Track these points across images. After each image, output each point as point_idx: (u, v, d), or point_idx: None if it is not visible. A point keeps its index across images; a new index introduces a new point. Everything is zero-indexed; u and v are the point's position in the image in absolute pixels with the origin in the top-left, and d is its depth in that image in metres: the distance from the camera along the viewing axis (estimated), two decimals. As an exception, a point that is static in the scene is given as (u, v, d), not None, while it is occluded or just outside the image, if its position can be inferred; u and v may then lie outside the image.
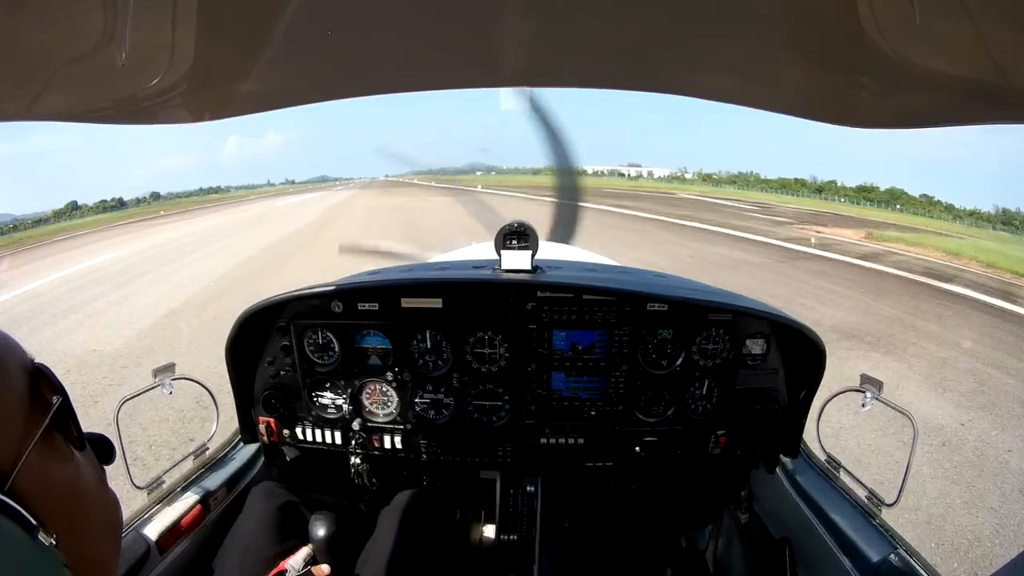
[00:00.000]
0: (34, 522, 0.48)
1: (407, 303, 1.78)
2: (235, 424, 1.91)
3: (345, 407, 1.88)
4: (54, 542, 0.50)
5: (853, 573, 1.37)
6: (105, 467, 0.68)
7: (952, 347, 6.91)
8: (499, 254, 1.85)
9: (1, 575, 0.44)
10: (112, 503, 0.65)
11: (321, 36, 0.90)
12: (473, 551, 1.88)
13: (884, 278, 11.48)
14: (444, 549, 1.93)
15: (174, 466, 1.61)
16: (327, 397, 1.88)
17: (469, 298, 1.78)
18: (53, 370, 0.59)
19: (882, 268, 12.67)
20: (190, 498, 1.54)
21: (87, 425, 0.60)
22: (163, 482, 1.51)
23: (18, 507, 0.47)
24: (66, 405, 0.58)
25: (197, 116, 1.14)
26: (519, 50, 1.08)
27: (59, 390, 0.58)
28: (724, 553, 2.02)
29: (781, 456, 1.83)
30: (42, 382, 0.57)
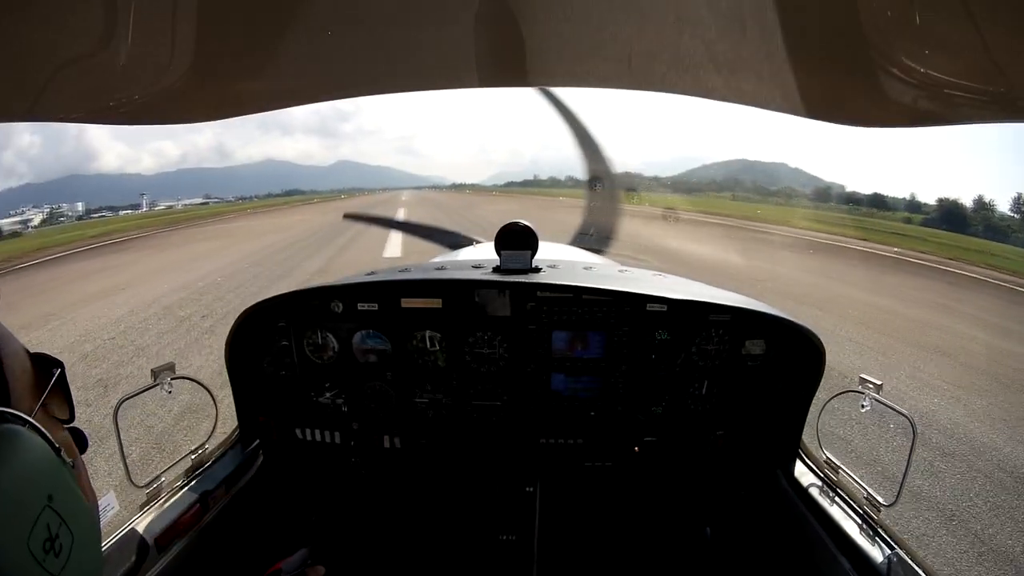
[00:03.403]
0: (56, 444, 0.58)
1: (407, 303, 1.78)
2: (234, 423, 1.91)
3: (344, 407, 1.88)
4: (71, 463, 0.61)
5: (852, 573, 1.37)
6: (110, 477, 0.75)
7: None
8: (499, 254, 1.85)
9: (41, 477, 0.54)
10: (93, 494, 0.72)
11: (321, 36, 0.90)
12: (473, 551, 1.88)
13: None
14: (443, 549, 1.93)
15: (173, 465, 1.61)
16: (326, 397, 1.88)
17: (469, 298, 1.78)
18: None
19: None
20: (189, 497, 1.54)
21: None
22: (162, 481, 1.51)
23: (44, 431, 0.57)
24: (63, 376, 0.68)
25: (197, 116, 1.14)
26: (521, 51, 1.08)
27: (58, 363, 0.67)
28: (721, 554, 2.01)
29: (780, 457, 1.83)
30: (40, 364, 0.66)
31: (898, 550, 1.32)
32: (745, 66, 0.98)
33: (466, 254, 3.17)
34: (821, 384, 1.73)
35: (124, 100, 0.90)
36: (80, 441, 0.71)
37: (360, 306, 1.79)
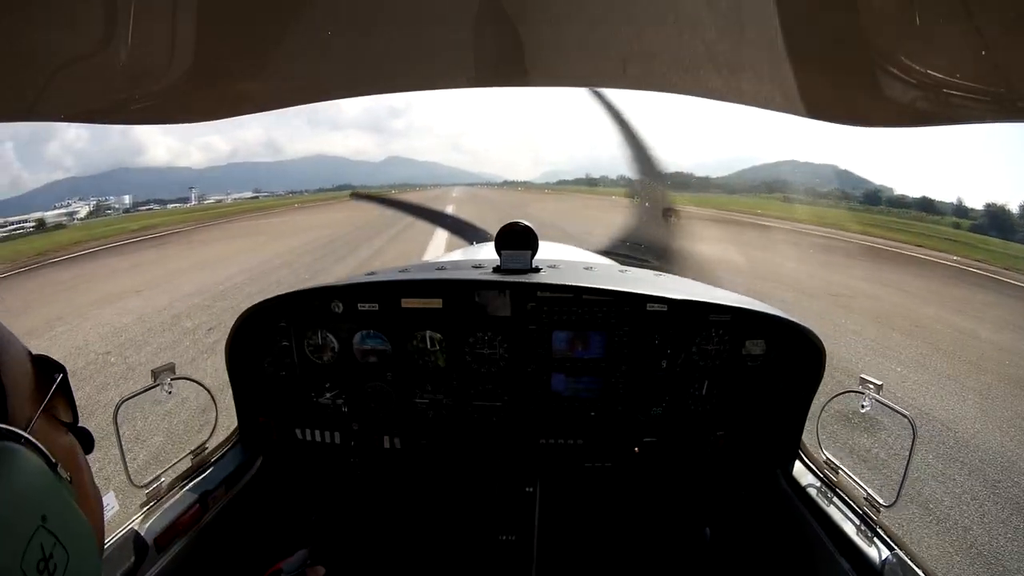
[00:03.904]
0: (53, 459, 0.57)
1: (407, 303, 1.79)
2: (234, 424, 1.91)
3: (344, 408, 1.88)
4: (69, 478, 0.59)
5: (851, 574, 1.37)
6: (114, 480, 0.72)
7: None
8: (499, 254, 1.85)
9: (35, 497, 0.52)
10: (98, 496, 0.70)
11: (321, 36, 0.91)
12: (473, 551, 1.88)
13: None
14: (443, 549, 1.93)
15: (173, 465, 1.61)
16: (326, 397, 1.88)
17: (469, 298, 1.78)
18: None
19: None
20: (189, 497, 1.54)
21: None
22: (162, 481, 1.51)
23: (41, 446, 0.56)
24: (65, 381, 0.65)
25: (197, 116, 1.14)
26: (521, 51, 1.08)
27: (60, 368, 0.65)
28: (721, 554, 2.01)
29: (780, 457, 1.83)
30: (43, 367, 0.64)
31: (898, 551, 1.32)
32: (745, 66, 0.98)
33: (467, 253, 3.17)
34: (821, 385, 1.73)
35: (124, 100, 0.91)
36: (86, 442, 0.70)
37: (360, 306, 1.79)
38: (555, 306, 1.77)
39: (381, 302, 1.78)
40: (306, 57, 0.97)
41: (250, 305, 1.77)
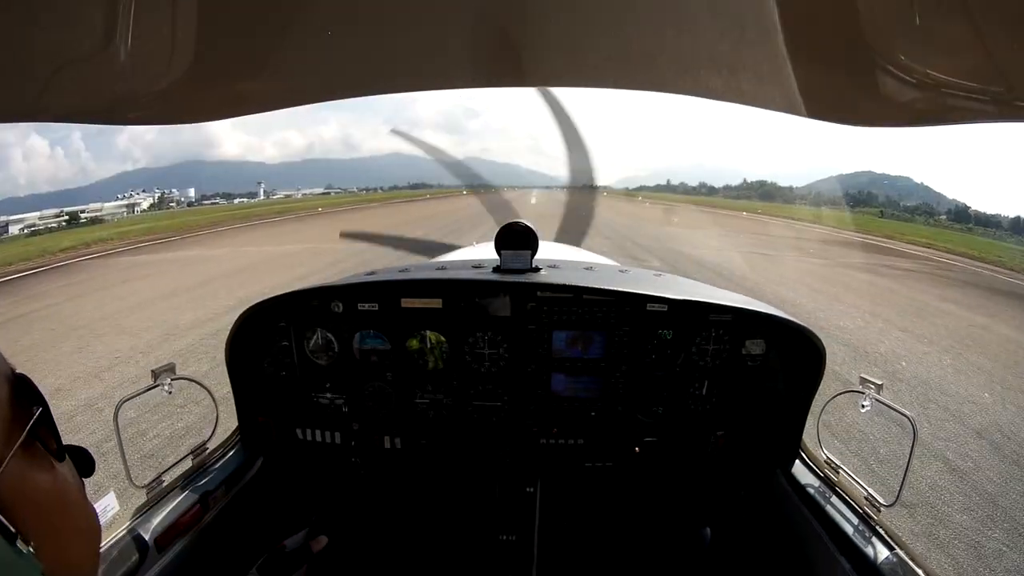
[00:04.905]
0: (12, 529, 0.49)
1: (407, 303, 1.79)
2: (234, 423, 1.91)
3: (344, 408, 1.88)
4: (32, 550, 0.50)
5: (852, 573, 1.37)
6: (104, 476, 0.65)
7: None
8: (499, 254, 1.85)
9: None
10: (91, 514, 0.64)
11: (322, 36, 0.91)
12: (473, 551, 1.88)
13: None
14: (443, 549, 1.93)
15: (173, 465, 1.61)
16: (326, 397, 1.88)
17: (469, 298, 1.78)
18: None
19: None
20: (189, 497, 1.54)
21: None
22: (162, 481, 1.51)
23: (1, 519, 0.48)
24: (46, 415, 0.57)
25: (197, 116, 1.14)
26: (520, 51, 1.08)
27: (40, 400, 0.57)
28: (721, 554, 2.01)
29: (780, 457, 1.83)
30: (24, 392, 0.56)
31: (898, 550, 1.32)
32: (745, 66, 0.98)
33: (467, 253, 3.17)
34: (821, 384, 1.73)
35: (124, 100, 0.90)
36: (84, 464, 0.64)
37: (360, 306, 1.79)
38: (555, 306, 1.77)
39: (381, 302, 1.78)
40: (307, 57, 0.97)
41: (249, 306, 1.77)
